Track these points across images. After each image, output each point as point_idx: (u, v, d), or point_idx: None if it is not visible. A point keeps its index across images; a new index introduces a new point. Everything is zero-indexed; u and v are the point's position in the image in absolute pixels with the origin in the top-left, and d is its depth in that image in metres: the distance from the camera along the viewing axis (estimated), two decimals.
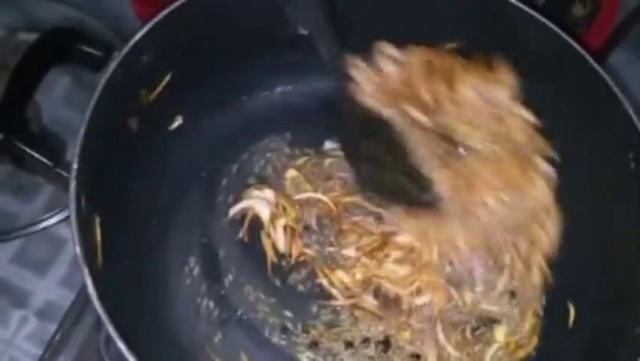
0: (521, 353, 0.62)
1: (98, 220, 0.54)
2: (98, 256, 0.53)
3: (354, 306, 0.63)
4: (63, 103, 0.75)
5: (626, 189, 0.59)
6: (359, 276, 0.64)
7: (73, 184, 0.50)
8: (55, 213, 0.70)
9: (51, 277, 0.69)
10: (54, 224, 0.70)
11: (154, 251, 0.62)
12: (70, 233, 0.49)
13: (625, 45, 0.81)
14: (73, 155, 0.51)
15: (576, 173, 0.64)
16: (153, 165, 0.63)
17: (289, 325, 0.62)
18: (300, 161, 0.70)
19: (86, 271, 0.48)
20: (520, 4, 0.60)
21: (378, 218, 0.66)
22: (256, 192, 0.67)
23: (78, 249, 0.48)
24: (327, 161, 0.69)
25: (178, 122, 0.65)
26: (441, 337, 0.62)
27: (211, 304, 0.63)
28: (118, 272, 0.55)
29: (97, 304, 0.48)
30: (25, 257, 0.70)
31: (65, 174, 0.50)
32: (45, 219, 0.70)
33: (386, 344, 0.62)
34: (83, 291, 0.66)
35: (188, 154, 0.66)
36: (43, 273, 0.69)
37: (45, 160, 0.57)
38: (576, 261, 0.63)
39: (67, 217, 0.58)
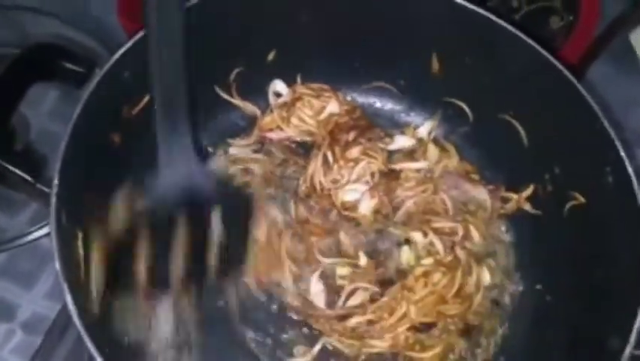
0: None
1: (80, 235, 0.54)
2: (81, 271, 0.53)
3: None
4: (50, 118, 0.75)
5: (604, 202, 0.60)
6: None
7: (53, 200, 0.50)
8: (42, 227, 0.70)
9: (37, 290, 0.69)
10: (40, 237, 0.70)
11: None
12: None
13: (606, 58, 0.82)
14: (54, 170, 0.52)
15: (554, 186, 0.65)
16: (140, 183, 0.63)
17: None
18: None
19: (65, 287, 0.48)
20: (497, 20, 0.61)
21: None
22: None
23: (58, 265, 0.48)
24: None
25: None
26: None
27: None
28: None
29: (77, 321, 0.48)
30: (12, 270, 0.70)
31: (47, 190, 0.50)
32: (31, 233, 0.70)
33: None
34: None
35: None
36: (29, 286, 0.69)
37: (26, 176, 0.57)
38: (551, 271, 0.64)
39: None
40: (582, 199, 0.61)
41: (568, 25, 0.78)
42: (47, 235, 0.70)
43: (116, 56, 0.56)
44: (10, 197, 0.72)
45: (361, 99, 0.73)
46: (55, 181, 0.50)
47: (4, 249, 0.70)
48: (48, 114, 0.75)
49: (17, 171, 0.57)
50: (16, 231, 0.70)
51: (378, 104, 0.73)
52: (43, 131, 0.74)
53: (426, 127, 0.72)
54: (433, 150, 0.70)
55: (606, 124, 0.57)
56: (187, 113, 0.54)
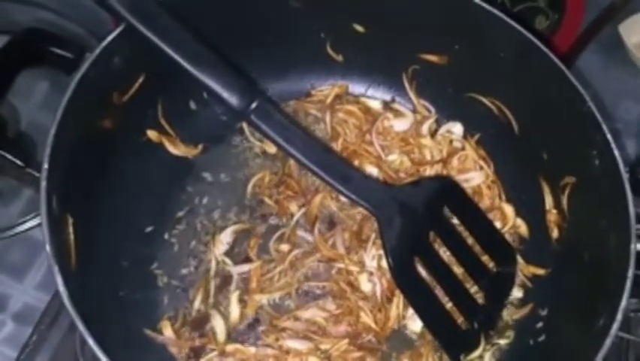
0: None
1: (70, 221, 0.54)
2: (72, 257, 0.53)
3: None
4: (41, 107, 0.75)
5: (591, 185, 0.60)
6: None
7: (43, 184, 0.50)
8: (33, 217, 0.70)
9: (29, 281, 0.69)
10: (31, 228, 0.70)
11: (129, 251, 0.63)
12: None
13: (596, 50, 0.83)
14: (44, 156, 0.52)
15: (542, 170, 0.65)
16: (128, 165, 0.63)
17: None
18: None
19: (56, 269, 0.48)
20: (486, 5, 0.61)
21: None
22: None
23: (48, 248, 0.48)
24: None
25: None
26: None
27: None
28: (92, 273, 0.55)
29: (67, 303, 0.48)
30: (3, 261, 0.70)
31: (37, 174, 0.50)
32: (22, 223, 0.70)
33: None
34: (58, 293, 0.66)
35: (162, 154, 0.67)
36: (20, 277, 0.69)
37: (16, 160, 0.57)
38: (542, 256, 0.65)
39: None
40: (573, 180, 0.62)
41: (554, 24, 0.80)
42: (38, 225, 0.69)
43: (106, 41, 0.56)
44: (0, 188, 0.72)
45: (357, 89, 0.74)
46: (45, 165, 0.51)
47: None
48: (38, 105, 0.75)
49: (8, 156, 0.57)
50: (7, 222, 0.70)
51: (369, 92, 0.74)
52: (34, 121, 0.74)
53: (458, 129, 0.72)
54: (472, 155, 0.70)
55: (592, 107, 0.58)
56: (345, 164, 0.62)
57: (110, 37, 0.57)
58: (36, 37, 0.61)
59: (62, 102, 0.52)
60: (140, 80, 0.61)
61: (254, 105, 0.57)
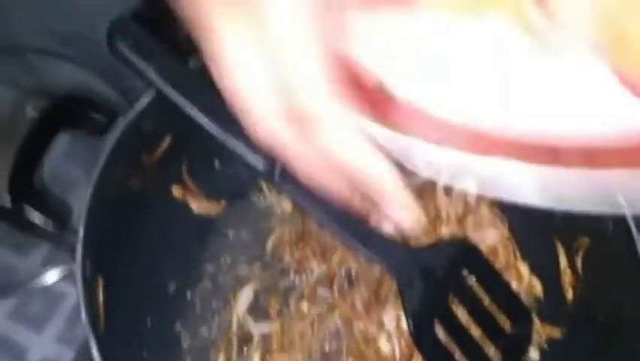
0: None
1: (101, 283, 0.55)
2: (101, 319, 0.54)
3: None
4: (62, 159, 0.75)
5: (605, 249, 0.61)
6: None
7: (79, 250, 0.51)
8: (54, 269, 0.69)
9: (48, 333, 0.69)
10: (54, 282, 0.70)
11: (153, 311, 0.64)
12: (69, 289, 0.50)
13: None
14: (78, 220, 0.53)
15: (556, 230, 0.67)
16: (153, 224, 0.64)
17: None
18: None
19: (91, 335, 0.49)
20: None
21: None
22: None
23: (84, 316, 0.49)
24: None
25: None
26: None
27: None
28: (118, 333, 0.56)
29: None
30: (22, 313, 0.70)
31: (68, 238, 0.52)
32: (44, 275, 0.69)
33: None
34: (81, 350, 0.67)
35: (185, 213, 0.68)
36: (39, 329, 0.69)
37: (52, 227, 0.58)
38: (557, 317, 0.66)
39: (67, 275, 0.59)
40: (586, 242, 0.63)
41: None
42: (60, 279, 0.70)
43: (139, 106, 0.58)
44: (21, 238, 0.72)
45: None
46: (81, 233, 0.52)
47: (15, 292, 0.70)
48: (59, 157, 0.74)
49: (42, 225, 0.58)
50: (28, 273, 0.70)
51: None
52: (55, 173, 0.73)
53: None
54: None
55: None
56: (364, 223, 0.59)
57: (143, 103, 0.58)
58: (76, 102, 0.62)
59: (97, 167, 0.54)
60: (167, 140, 0.63)
61: (279, 169, 0.58)
